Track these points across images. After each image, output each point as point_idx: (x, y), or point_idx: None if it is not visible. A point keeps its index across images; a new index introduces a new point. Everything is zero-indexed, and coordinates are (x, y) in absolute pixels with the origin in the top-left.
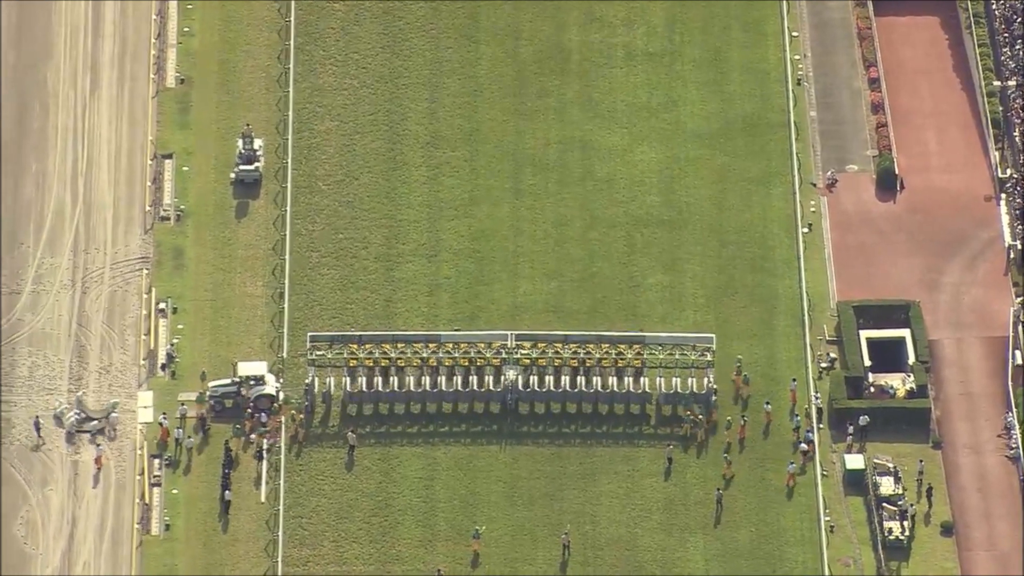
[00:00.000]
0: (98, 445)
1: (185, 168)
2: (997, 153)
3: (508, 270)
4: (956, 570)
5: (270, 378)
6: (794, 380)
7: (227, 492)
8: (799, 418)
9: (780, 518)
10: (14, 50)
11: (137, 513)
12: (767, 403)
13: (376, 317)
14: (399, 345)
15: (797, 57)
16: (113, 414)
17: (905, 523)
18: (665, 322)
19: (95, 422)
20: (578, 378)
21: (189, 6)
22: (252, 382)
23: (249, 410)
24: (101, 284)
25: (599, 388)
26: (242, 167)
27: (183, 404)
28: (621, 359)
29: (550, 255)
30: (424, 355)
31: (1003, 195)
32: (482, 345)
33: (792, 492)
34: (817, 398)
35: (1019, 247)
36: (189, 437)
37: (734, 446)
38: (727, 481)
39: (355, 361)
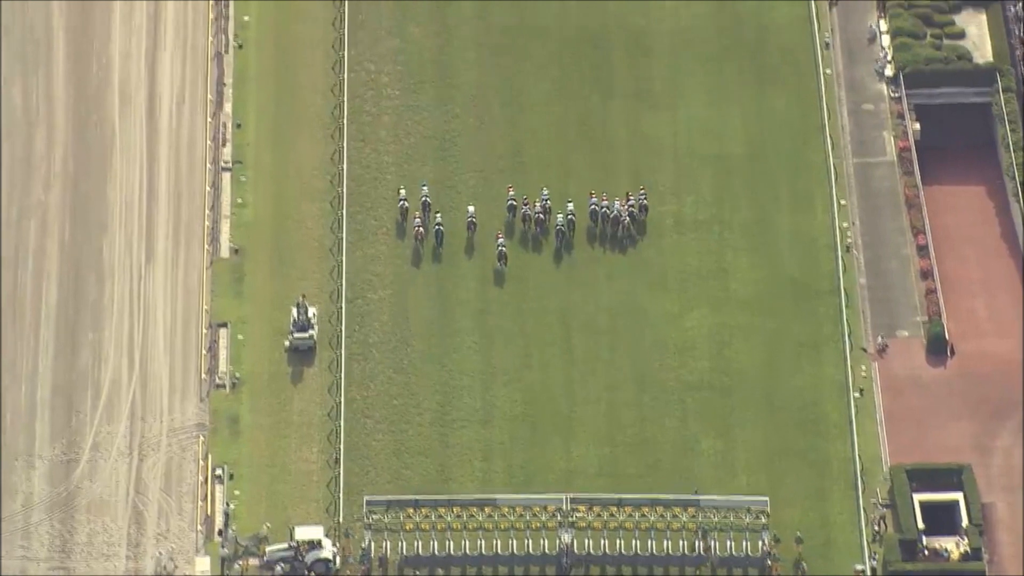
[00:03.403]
0: None
1: (240, 337)
2: None
3: (561, 434)
4: None
5: (327, 542)
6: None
7: None
8: None
9: None
10: (70, 223)
11: None
12: None
13: (431, 482)
14: (455, 509)
15: (845, 225)
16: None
17: None
18: (719, 486)
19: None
20: (633, 541)
21: (242, 178)
22: (309, 546)
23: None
24: (158, 451)
25: (654, 551)
26: (296, 335)
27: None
28: (676, 522)
29: (603, 420)
30: (480, 519)
31: None
32: (537, 509)
33: None
34: (874, 558)
35: None
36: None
37: None
38: None
39: (411, 525)
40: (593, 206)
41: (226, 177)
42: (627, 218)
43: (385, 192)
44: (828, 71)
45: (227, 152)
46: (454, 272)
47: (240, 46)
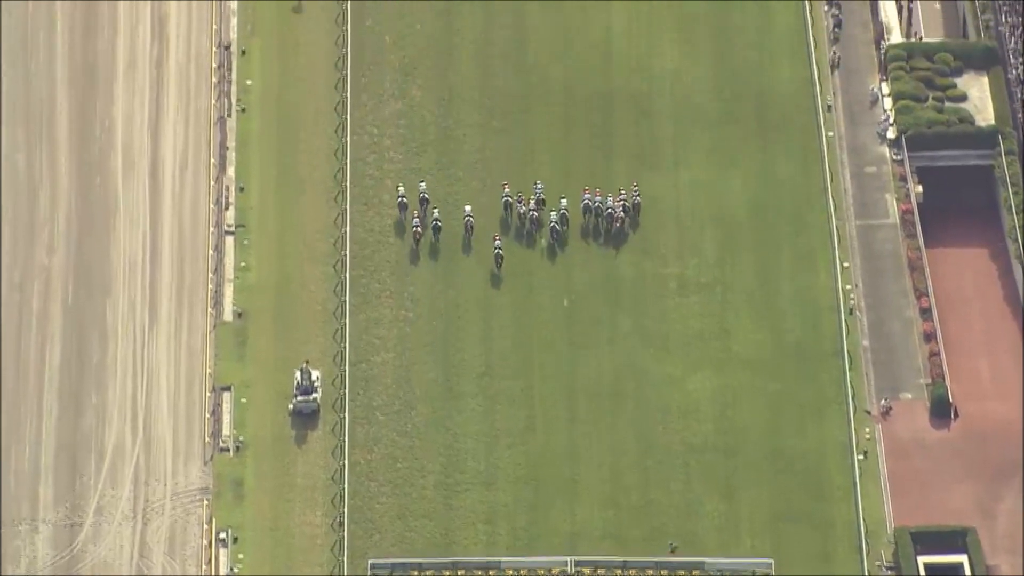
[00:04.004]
0: None
1: (243, 400)
2: None
3: (565, 497)
4: None
5: None
6: None
7: None
8: None
9: None
10: (74, 286)
11: None
12: None
13: (435, 545)
14: (459, 572)
15: (848, 287)
16: None
17: None
18: (723, 548)
19: None
20: None
21: (245, 242)
22: None
23: None
24: (162, 515)
25: None
26: (300, 398)
27: None
28: None
29: (606, 482)
30: None
31: None
32: (541, 571)
33: None
34: None
35: None
36: None
37: None
38: None
39: None
40: (586, 201)
41: (229, 240)
42: (621, 214)
43: (388, 255)
44: (830, 134)
45: (230, 215)
46: (457, 335)
47: (243, 110)
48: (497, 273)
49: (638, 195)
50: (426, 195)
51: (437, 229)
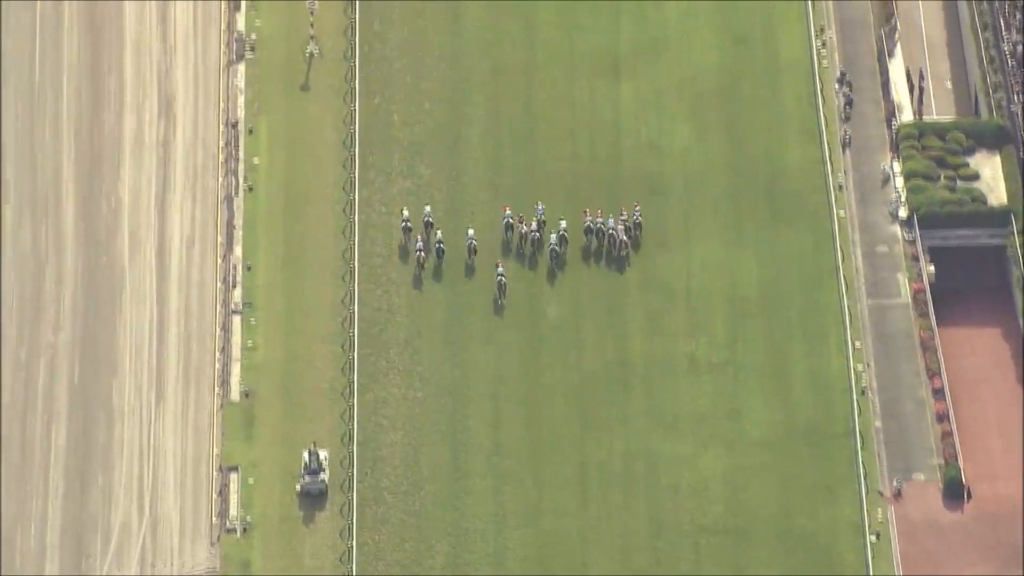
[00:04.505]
0: None
1: (251, 480)
2: None
3: None
4: None
5: None
6: None
7: None
8: None
9: None
10: (80, 365)
11: None
12: None
13: None
14: None
15: (860, 367)
16: None
17: None
18: None
19: None
20: None
21: (252, 320)
22: None
23: None
24: None
25: None
26: (307, 478)
27: None
28: None
29: (617, 564)
30: None
31: None
32: None
33: None
34: None
35: None
36: None
37: None
38: None
39: None
40: (588, 223)
41: (236, 319)
42: (623, 237)
43: (396, 334)
44: (842, 213)
45: (237, 294)
46: (466, 413)
47: (250, 188)
48: (501, 302)
49: (639, 215)
50: (430, 219)
51: (441, 252)
